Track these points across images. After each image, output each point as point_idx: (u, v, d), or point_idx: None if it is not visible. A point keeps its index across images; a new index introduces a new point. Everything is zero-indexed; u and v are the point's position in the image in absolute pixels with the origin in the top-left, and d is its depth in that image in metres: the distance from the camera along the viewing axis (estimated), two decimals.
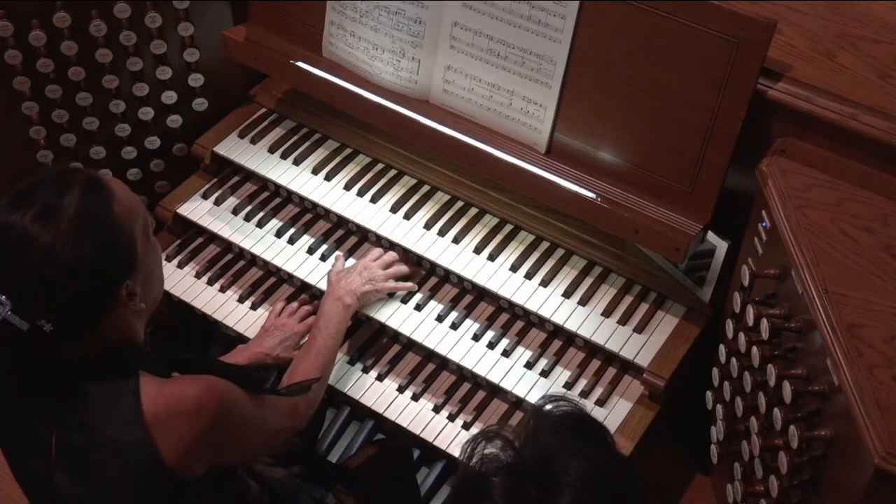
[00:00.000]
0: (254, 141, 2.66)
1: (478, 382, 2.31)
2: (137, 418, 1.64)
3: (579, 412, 1.44)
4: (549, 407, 1.43)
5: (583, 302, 2.31)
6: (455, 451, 2.20)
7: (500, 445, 1.35)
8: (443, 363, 2.34)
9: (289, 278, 2.49)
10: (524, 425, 1.40)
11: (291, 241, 2.50)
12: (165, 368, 1.75)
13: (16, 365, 1.68)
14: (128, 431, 1.64)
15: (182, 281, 2.50)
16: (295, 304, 2.40)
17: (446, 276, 2.41)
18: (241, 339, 2.40)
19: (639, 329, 2.26)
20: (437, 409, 2.26)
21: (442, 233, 2.44)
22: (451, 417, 2.25)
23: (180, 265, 2.53)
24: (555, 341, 2.32)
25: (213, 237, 2.58)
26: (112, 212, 1.65)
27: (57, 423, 1.67)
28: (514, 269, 2.36)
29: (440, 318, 2.34)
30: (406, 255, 2.43)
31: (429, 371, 2.34)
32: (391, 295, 2.37)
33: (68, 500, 1.69)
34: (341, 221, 2.53)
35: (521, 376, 2.25)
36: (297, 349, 2.29)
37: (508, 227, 2.45)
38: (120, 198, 1.68)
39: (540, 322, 2.32)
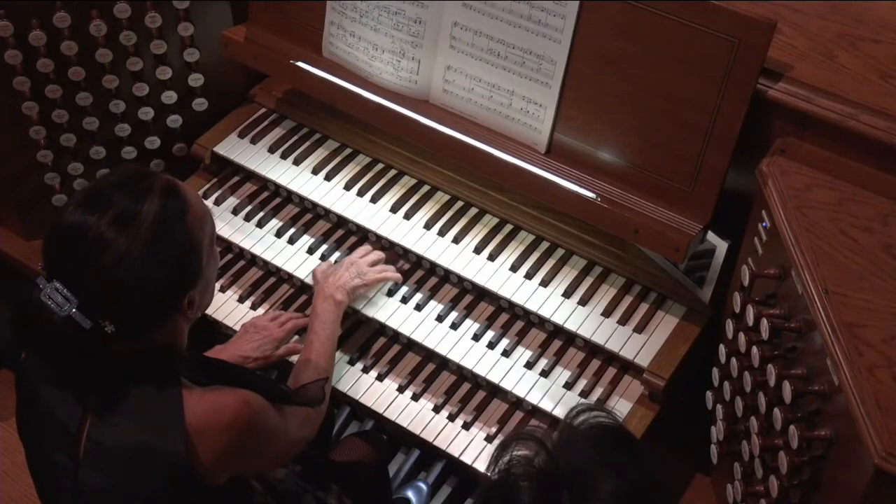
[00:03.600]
0: (254, 141, 2.67)
1: (478, 382, 2.31)
2: (178, 428, 1.65)
3: (616, 425, 1.43)
4: (584, 416, 1.42)
5: (583, 302, 2.31)
6: (455, 452, 2.20)
7: (533, 448, 1.34)
8: (443, 363, 2.34)
9: (289, 278, 2.49)
10: (558, 432, 1.39)
11: (291, 241, 2.50)
12: (205, 377, 1.76)
13: (62, 358, 1.67)
14: (166, 438, 1.65)
15: None
16: (279, 313, 2.39)
17: (446, 276, 2.41)
18: None
19: (639, 329, 2.26)
20: (437, 409, 2.27)
21: (442, 233, 2.44)
22: (451, 417, 2.25)
23: None
24: (555, 341, 2.32)
25: None
26: (186, 223, 1.66)
27: (91, 419, 1.68)
28: (514, 269, 2.36)
29: (440, 318, 2.34)
30: (406, 256, 2.44)
31: (429, 371, 2.34)
32: (390, 295, 2.38)
33: (92, 497, 1.69)
34: (341, 221, 2.53)
35: (521, 376, 2.25)
36: (275, 351, 2.29)
37: (508, 227, 2.45)
38: (193, 208, 1.69)
39: (540, 322, 2.33)
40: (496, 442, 2.07)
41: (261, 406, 1.77)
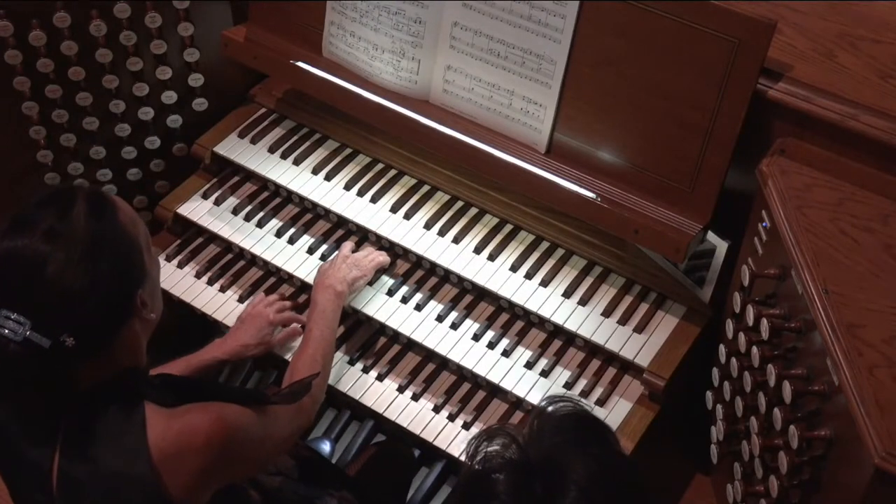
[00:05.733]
0: (254, 141, 2.67)
1: (478, 382, 2.31)
2: (143, 454, 1.62)
3: (583, 412, 1.45)
4: (552, 407, 1.43)
5: (583, 302, 2.30)
6: (455, 451, 2.20)
7: (503, 443, 1.35)
8: (443, 363, 2.34)
9: (289, 278, 2.49)
10: (528, 424, 1.41)
11: (291, 241, 2.50)
12: (171, 396, 1.72)
13: (23, 392, 1.65)
14: (133, 466, 1.62)
15: (182, 281, 2.50)
16: (273, 296, 2.39)
17: (446, 276, 2.41)
18: None
19: (639, 329, 2.26)
20: (437, 409, 2.27)
21: (442, 233, 2.44)
22: (451, 417, 2.25)
23: (180, 265, 2.53)
24: (555, 341, 2.32)
25: (213, 237, 2.59)
26: (119, 221, 1.65)
27: (60, 454, 1.65)
28: (514, 269, 2.36)
29: (440, 318, 2.34)
30: (406, 256, 2.44)
31: (429, 371, 2.34)
32: (390, 294, 2.38)
33: None
34: (341, 221, 2.53)
35: (521, 376, 2.25)
36: (273, 337, 2.30)
37: (508, 227, 2.45)
38: (122, 209, 1.68)
39: (540, 322, 2.32)
40: None
41: (236, 418, 1.72)
